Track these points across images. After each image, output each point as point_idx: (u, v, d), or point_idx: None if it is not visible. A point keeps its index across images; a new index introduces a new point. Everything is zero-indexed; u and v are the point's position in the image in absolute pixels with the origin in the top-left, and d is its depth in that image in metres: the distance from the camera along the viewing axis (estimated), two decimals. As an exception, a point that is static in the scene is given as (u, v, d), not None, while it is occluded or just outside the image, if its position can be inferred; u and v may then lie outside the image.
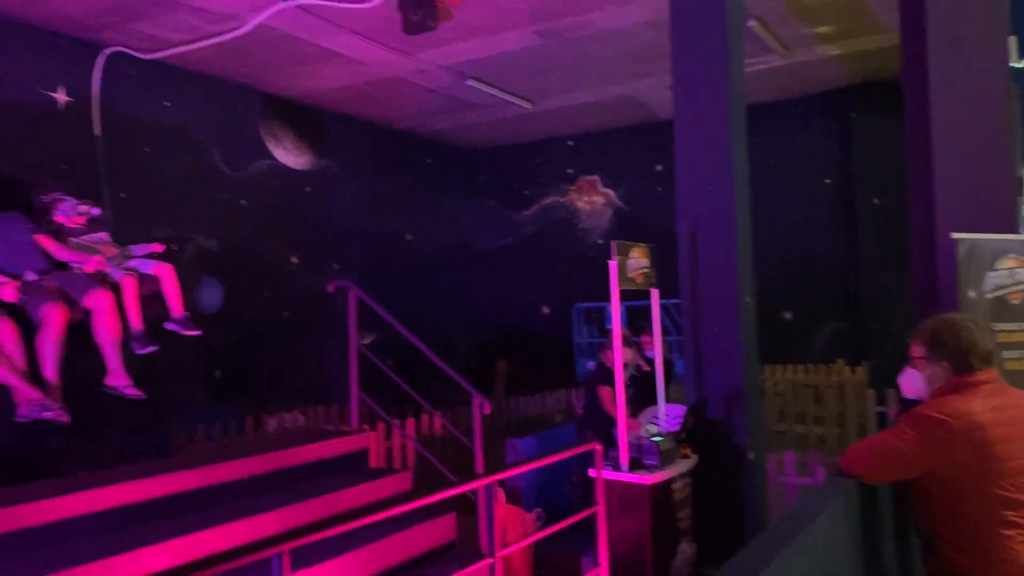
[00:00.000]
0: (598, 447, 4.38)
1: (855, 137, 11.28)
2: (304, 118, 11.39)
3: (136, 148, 9.28)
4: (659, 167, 12.17)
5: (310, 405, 9.29)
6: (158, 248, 5.26)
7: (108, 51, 8.86)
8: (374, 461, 5.79)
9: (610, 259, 5.18)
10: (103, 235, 5.31)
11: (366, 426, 5.73)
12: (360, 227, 12.06)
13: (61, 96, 8.65)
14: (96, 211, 5.25)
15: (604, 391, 6.36)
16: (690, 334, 5.99)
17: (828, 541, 2.62)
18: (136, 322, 4.82)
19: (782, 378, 10.52)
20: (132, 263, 5.07)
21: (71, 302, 4.57)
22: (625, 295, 5.21)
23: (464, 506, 5.12)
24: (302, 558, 3.66)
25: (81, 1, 7.73)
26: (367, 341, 5.73)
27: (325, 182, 11.70)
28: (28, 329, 4.47)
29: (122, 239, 8.97)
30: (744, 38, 6.48)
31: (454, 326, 12.83)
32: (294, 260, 11.25)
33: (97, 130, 8.92)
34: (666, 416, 5.85)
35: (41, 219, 5.09)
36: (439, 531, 4.86)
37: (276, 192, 10.99)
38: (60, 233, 5.06)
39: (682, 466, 5.31)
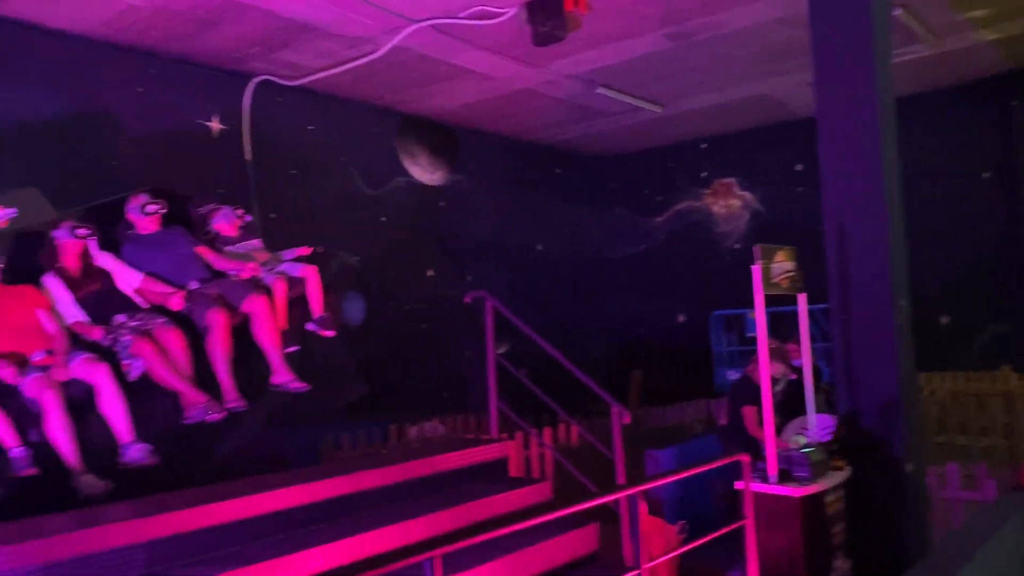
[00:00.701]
0: (745, 458, 4.23)
1: (1017, 126, 10.47)
2: (437, 135, 11.69)
3: (283, 170, 9.78)
4: (799, 167, 11.72)
5: (449, 414, 9.48)
6: (306, 252, 5.50)
7: (256, 80, 9.40)
8: (513, 470, 5.82)
9: (752, 264, 5.02)
10: (256, 242, 5.64)
11: (504, 435, 5.78)
12: (492, 239, 12.24)
13: (215, 124, 9.24)
14: (249, 217, 5.58)
15: (748, 411, 6.13)
16: (840, 340, 5.72)
17: (1006, 560, 2.42)
18: (282, 323, 5.07)
19: (940, 386, 9.85)
20: (282, 267, 5.33)
21: (231, 307, 4.85)
22: (768, 300, 5.02)
23: (605, 517, 5.07)
24: (446, 565, 3.72)
25: (230, 34, 8.24)
26: (502, 351, 5.79)
27: (458, 197, 11.96)
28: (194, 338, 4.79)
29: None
30: (889, 28, 6.15)
31: (586, 336, 12.79)
32: (430, 273, 11.53)
33: (248, 155, 9.47)
34: (816, 427, 5.59)
35: (199, 231, 5.45)
36: (582, 541, 4.83)
37: (412, 208, 11.32)
38: (216, 243, 5.41)
39: (835, 478, 5.06)
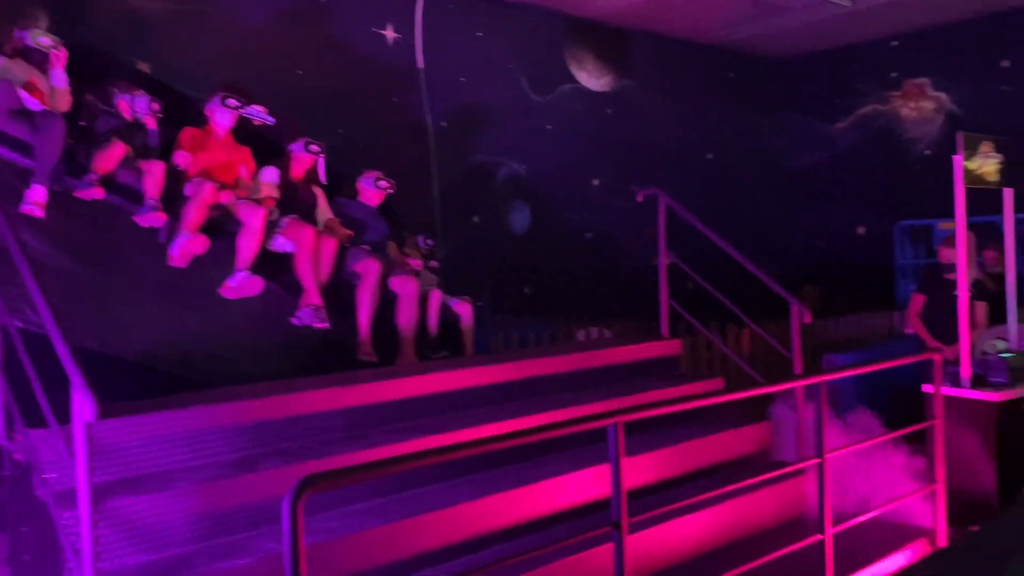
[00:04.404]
0: (936, 357, 4.01)
1: None
2: (605, 38, 11.41)
3: (453, 78, 9.90)
4: (1005, 63, 10.60)
5: (615, 321, 9.52)
6: (468, 304, 5.68)
7: (428, -13, 9.50)
8: (683, 369, 5.82)
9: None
10: (434, 264, 6.08)
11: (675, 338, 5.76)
12: (659, 148, 11.92)
13: (390, 33, 9.46)
14: (432, 242, 6.13)
15: (916, 298, 5.87)
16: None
17: None
18: (432, 328, 5.36)
19: None
20: (447, 298, 5.59)
21: (385, 275, 5.19)
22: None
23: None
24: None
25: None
26: (669, 261, 5.72)
27: (625, 103, 11.68)
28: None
29: (443, 165, 9.72)
30: None
31: (758, 249, 12.29)
32: (596, 183, 11.44)
33: (420, 63, 9.65)
34: (1016, 335, 5.19)
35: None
36: (753, 437, 4.80)
37: (579, 116, 11.18)
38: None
39: (1037, 387, 4.71)
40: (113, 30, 7.40)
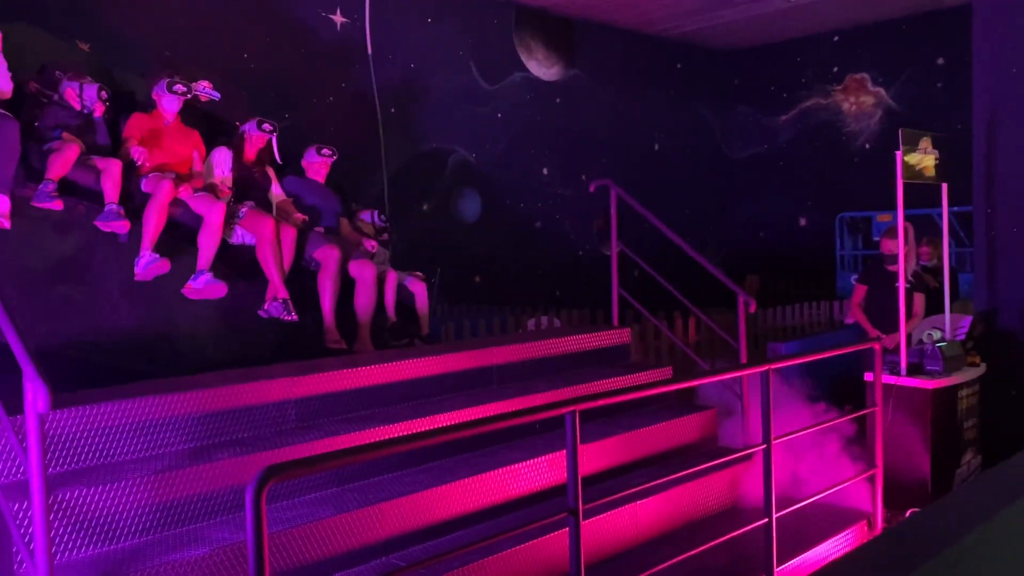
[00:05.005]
0: (877, 346, 4.16)
1: None
2: (555, 28, 11.46)
3: (403, 64, 9.83)
4: (940, 60, 10.95)
5: (563, 310, 9.61)
6: (419, 276, 5.69)
7: (379, -28, 9.39)
8: (634, 358, 5.91)
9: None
10: (384, 237, 6.00)
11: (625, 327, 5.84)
12: (608, 137, 12.03)
13: (338, 18, 9.34)
14: (383, 221, 5.99)
15: (859, 288, 6.09)
16: (983, 238, 5.47)
17: None
18: (391, 312, 5.32)
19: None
20: (404, 276, 5.57)
21: (343, 259, 5.15)
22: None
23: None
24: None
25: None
26: (618, 249, 5.80)
27: (574, 93, 11.75)
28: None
29: (393, 152, 9.65)
30: None
31: (702, 239, 12.56)
32: (545, 172, 11.50)
33: (369, 48, 9.55)
34: (951, 325, 5.41)
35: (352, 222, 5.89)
36: (700, 425, 4.90)
37: (528, 105, 11.22)
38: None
39: (969, 374, 4.93)
40: (49, 6, 7.17)
